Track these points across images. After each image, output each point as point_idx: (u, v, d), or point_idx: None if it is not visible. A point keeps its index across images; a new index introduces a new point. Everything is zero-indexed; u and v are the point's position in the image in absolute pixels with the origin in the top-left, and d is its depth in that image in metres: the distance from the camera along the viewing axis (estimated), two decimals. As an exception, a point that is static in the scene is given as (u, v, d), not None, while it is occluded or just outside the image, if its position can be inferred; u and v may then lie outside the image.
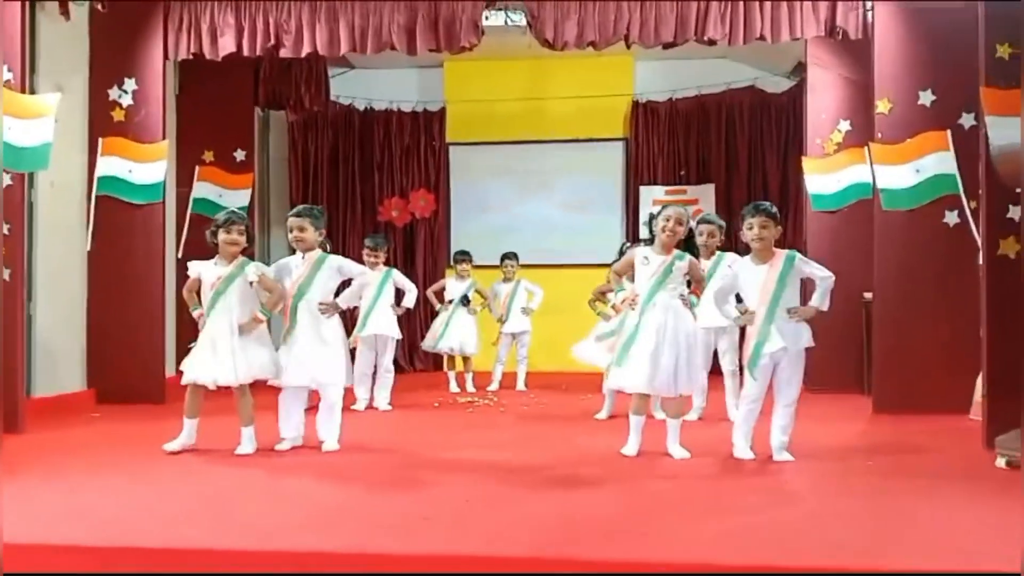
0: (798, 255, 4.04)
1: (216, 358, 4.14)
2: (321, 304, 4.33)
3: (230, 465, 4.01)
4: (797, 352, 3.95)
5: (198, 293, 4.30)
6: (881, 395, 5.60)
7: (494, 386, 7.24)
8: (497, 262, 7.42)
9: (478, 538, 2.78)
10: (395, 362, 6.43)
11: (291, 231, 4.40)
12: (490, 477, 3.73)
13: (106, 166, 6.26)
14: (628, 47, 6.59)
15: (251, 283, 4.22)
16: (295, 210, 4.52)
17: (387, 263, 6.37)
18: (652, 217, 4.29)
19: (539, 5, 6.32)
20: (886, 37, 5.75)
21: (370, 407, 6.02)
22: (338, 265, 4.46)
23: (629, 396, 4.27)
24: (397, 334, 6.22)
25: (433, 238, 9.21)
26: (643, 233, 4.67)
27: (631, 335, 4.12)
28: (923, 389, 5.41)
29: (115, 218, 6.27)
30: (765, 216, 3.99)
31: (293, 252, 4.47)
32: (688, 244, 4.31)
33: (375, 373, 6.13)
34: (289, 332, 4.32)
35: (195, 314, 4.29)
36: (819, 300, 3.98)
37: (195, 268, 4.32)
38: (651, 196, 8.70)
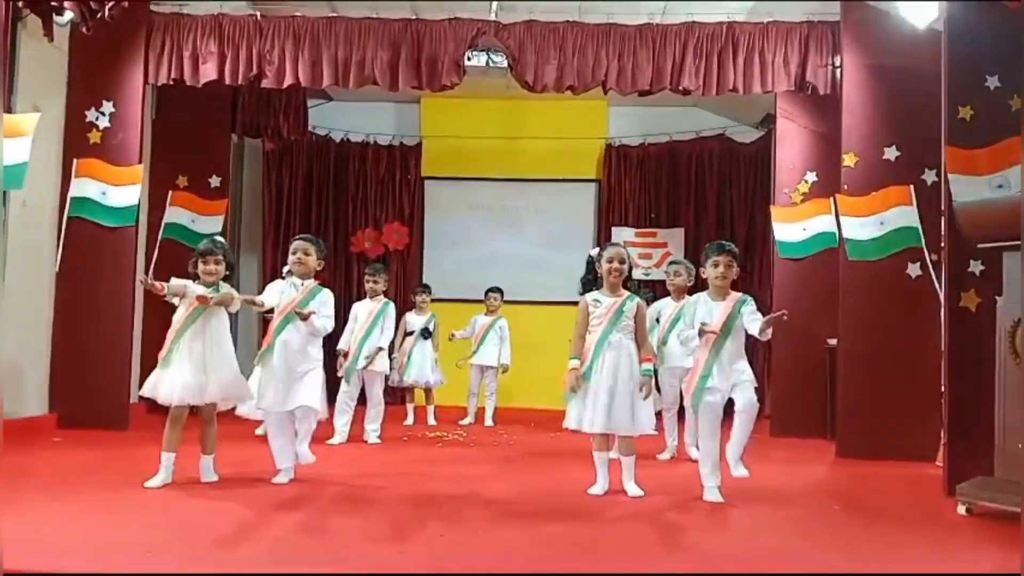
0: (749, 300, 4.14)
1: (189, 377, 4.07)
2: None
3: (197, 494, 3.95)
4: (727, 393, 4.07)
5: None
6: (845, 440, 5.71)
7: (468, 419, 7.24)
8: (469, 296, 7.48)
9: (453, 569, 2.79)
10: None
11: (294, 253, 4.36)
12: (463, 512, 3.73)
13: (79, 187, 6.21)
14: (605, 93, 6.75)
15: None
16: (302, 235, 4.53)
17: (385, 294, 6.30)
18: (593, 259, 4.27)
19: (520, 49, 6.46)
20: (854, 94, 5.98)
21: (355, 439, 5.89)
22: (324, 301, 4.39)
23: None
24: (386, 369, 6.23)
25: (405, 270, 9.22)
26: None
27: (585, 375, 4.12)
28: (886, 435, 5.53)
29: (86, 240, 6.21)
30: (729, 256, 4.13)
31: (277, 277, 4.50)
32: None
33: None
34: (267, 353, 4.26)
35: (164, 289, 4.14)
36: (760, 328, 3.98)
37: (184, 280, 4.26)
38: (622, 237, 8.82)
